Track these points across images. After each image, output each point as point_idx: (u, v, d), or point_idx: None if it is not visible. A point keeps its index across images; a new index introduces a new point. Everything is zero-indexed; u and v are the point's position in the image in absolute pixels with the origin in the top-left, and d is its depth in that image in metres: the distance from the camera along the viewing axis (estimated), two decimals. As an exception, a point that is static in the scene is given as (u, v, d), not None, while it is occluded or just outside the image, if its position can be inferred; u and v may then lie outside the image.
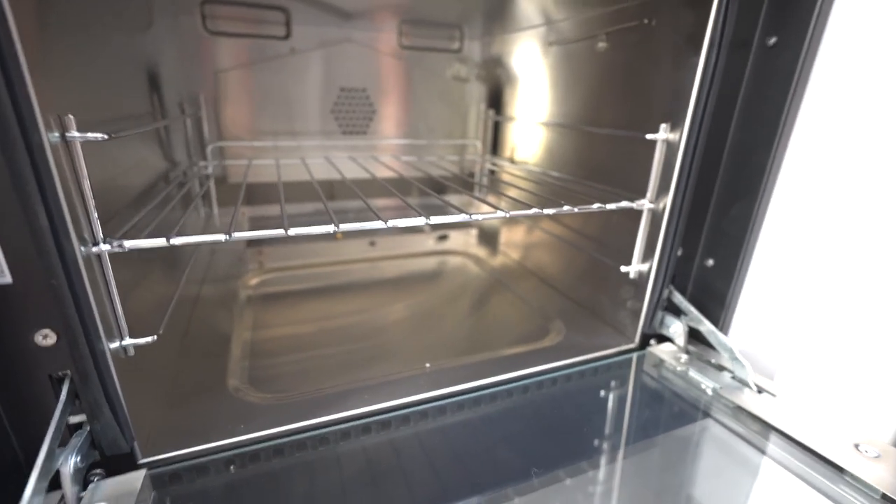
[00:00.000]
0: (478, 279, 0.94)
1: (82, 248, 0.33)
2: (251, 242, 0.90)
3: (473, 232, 1.08)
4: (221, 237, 0.38)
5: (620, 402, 0.54)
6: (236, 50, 0.83)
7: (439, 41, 0.96)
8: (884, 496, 0.39)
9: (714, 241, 0.62)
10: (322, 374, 0.57)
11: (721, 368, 0.58)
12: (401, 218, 0.46)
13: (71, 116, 0.32)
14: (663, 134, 0.57)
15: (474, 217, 0.48)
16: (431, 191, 0.63)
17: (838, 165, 0.51)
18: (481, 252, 1.04)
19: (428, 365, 0.57)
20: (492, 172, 1.02)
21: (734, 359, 0.55)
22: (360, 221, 0.44)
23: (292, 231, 0.39)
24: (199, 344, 0.63)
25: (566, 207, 0.54)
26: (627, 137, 0.64)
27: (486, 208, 0.53)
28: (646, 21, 0.60)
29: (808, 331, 0.56)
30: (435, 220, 0.46)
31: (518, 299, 0.83)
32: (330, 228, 0.41)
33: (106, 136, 0.33)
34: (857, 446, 0.43)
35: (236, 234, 0.38)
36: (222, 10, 0.80)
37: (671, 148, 0.57)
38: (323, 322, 0.75)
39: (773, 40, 0.53)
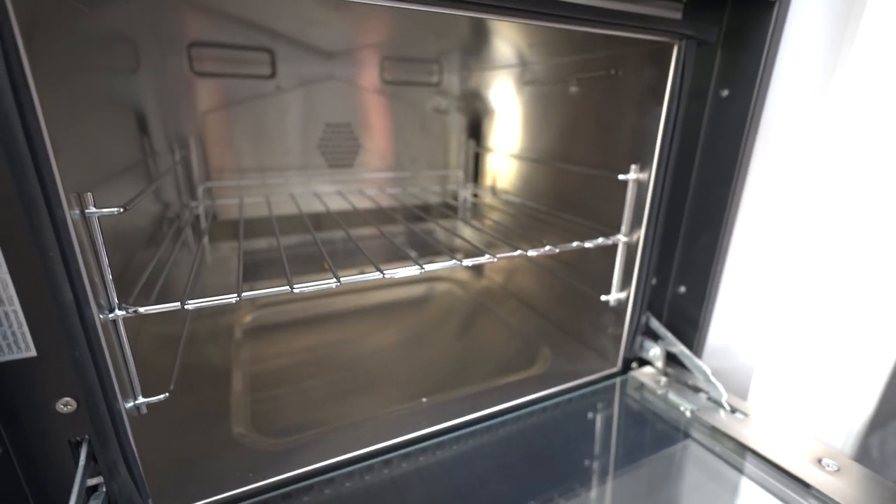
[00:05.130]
0: (466, 304, 0.97)
1: (100, 316, 0.34)
2: (245, 278, 0.92)
3: (461, 256, 1.12)
4: (232, 298, 0.40)
5: (607, 427, 0.58)
6: (223, 90, 0.85)
7: (419, 75, 1.01)
8: (843, 507, 0.43)
9: (685, 270, 0.67)
10: (323, 406, 0.60)
11: (697, 390, 0.62)
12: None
13: (89, 194, 0.34)
14: (634, 174, 0.62)
15: (465, 262, 0.51)
16: (418, 221, 0.66)
17: (790, 198, 0.56)
18: (467, 276, 1.08)
19: (425, 400, 0.59)
20: (474, 205, 1.06)
21: (708, 381, 0.60)
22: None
23: (297, 287, 0.42)
24: (199, 385, 0.63)
25: (548, 247, 0.58)
26: (601, 175, 0.69)
27: (472, 248, 0.57)
28: (612, 72, 0.66)
29: (775, 350, 0.61)
30: (429, 267, 0.49)
31: (504, 325, 0.86)
32: (332, 283, 0.44)
33: (121, 210, 0.35)
34: (819, 461, 0.48)
35: (246, 294, 0.41)
36: (209, 52, 0.82)
37: (641, 186, 0.62)
38: (318, 352, 0.77)
39: (725, 92, 0.59)
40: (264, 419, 0.57)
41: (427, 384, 0.66)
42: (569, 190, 0.79)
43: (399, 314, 0.93)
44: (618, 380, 0.67)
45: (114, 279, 0.38)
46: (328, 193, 0.95)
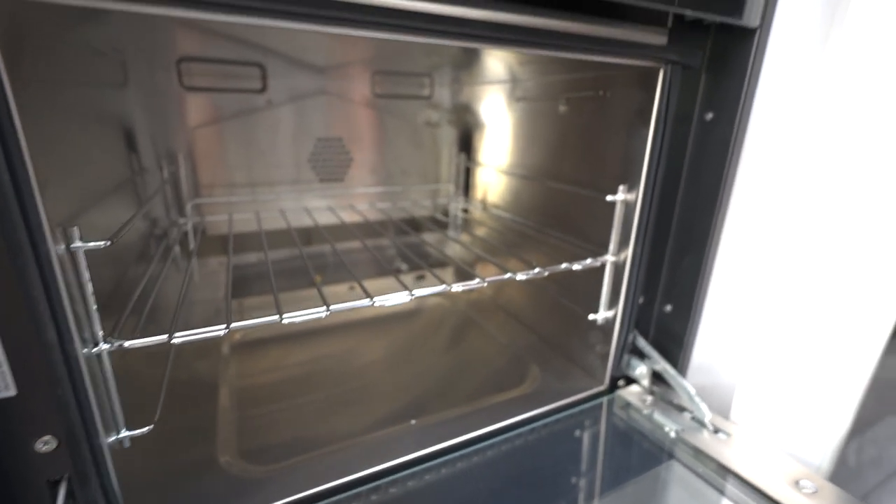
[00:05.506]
0: (455, 317, 0.97)
1: (84, 351, 0.34)
2: (234, 293, 0.91)
3: (450, 270, 1.12)
4: (221, 331, 0.40)
5: (594, 448, 0.58)
6: (213, 104, 0.84)
7: (410, 88, 1.01)
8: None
9: (671, 289, 0.68)
10: (312, 425, 0.60)
11: (682, 409, 0.63)
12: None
13: (76, 228, 0.33)
14: (621, 195, 0.63)
15: (454, 288, 0.51)
16: (409, 236, 0.66)
17: (771, 220, 0.58)
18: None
19: (413, 421, 0.59)
20: (464, 220, 1.07)
21: (692, 400, 0.61)
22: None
23: (287, 318, 0.42)
24: (184, 405, 0.62)
25: (537, 269, 0.59)
26: (589, 195, 0.70)
27: (462, 268, 0.57)
28: (600, 93, 0.67)
29: (756, 367, 0.62)
30: (418, 293, 0.49)
31: (493, 340, 0.86)
32: (323, 313, 0.44)
33: (108, 243, 0.35)
34: (797, 483, 0.49)
35: (234, 325, 0.40)
36: (199, 67, 0.82)
37: (629, 207, 0.63)
38: (307, 367, 0.77)
39: (710, 116, 0.60)
40: (250, 440, 0.57)
41: (416, 402, 0.66)
42: (558, 207, 0.80)
43: (389, 328, 0.93)
44: (605, 399, 0.68)
45: (100, 303, 0.37)
46: (319, 209, 0.95)
